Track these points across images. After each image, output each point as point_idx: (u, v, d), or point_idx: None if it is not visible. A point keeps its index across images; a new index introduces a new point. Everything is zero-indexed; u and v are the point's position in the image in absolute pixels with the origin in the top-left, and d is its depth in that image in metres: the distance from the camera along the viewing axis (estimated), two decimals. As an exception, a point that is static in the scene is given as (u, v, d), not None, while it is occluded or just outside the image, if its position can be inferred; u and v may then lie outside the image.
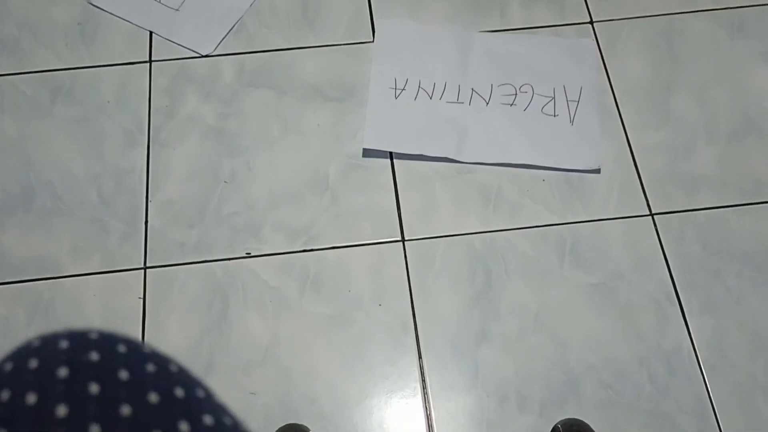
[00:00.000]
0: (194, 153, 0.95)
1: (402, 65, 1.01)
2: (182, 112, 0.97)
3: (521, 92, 0.99)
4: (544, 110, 0.98)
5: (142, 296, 0.86)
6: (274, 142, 0.96)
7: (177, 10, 1.05)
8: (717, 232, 0.91)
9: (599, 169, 0.94)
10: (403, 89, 0.99)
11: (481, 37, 1.04)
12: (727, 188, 0.93)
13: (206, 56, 1.02)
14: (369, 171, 0.94)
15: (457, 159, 0.94)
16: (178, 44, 1.03)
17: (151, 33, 1.03)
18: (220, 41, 1.03)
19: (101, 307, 0.85)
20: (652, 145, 0.96)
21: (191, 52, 1.02)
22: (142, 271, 0.88)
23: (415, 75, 1.00)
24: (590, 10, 1.07)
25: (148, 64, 1.01)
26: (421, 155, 0.94)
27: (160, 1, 1.06)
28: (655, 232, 0.91)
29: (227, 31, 1.04)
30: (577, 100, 0.99)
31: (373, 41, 1.03)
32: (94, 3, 1.05)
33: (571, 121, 0.97)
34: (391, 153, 0.95)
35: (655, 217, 0.92)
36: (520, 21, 1.06)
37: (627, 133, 0.97)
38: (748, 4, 1.06)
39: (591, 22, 1.06)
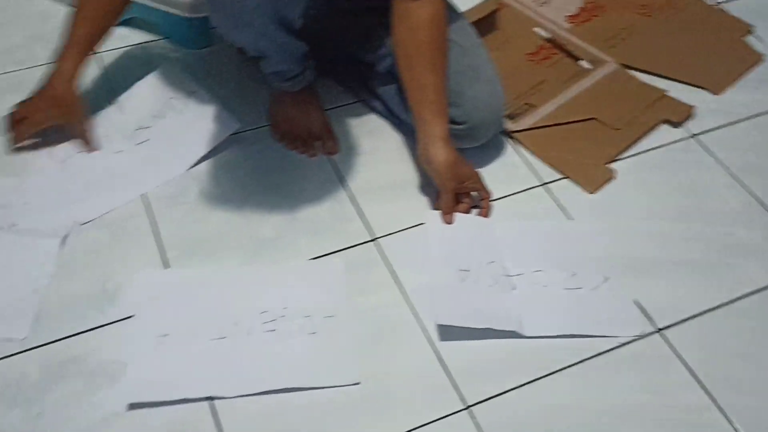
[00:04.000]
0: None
1: (161, 317, 1.04)
2: (-13, 424, 0.94)
3: (281, 318, 1.05)
4: (304, 330, 1.04)
5: None
6: (92, 432, 0.94)
7: None
8: (530, 412, 0.99)
9: (359, 383, 0.99)
10: (166, 335, 1.01)
11: (235, 270, 1.10)
12: (525, 368, 1.03)
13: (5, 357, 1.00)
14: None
15: (221, 395, 0.97)
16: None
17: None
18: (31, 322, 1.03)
19: None
20: (454, 344, 1.04)
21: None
22: None
23: (175, 326, 1.03)
24: (371, 228, 1.18)
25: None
26: (184, 399, 0.96)
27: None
28: (473, 423, 0.97)
29: (34, 312, 1.04)
30: (333, 315, 1.06)
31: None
32: None
33: (329, 337, 1.03)
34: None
35: (471, 408, 0.99)
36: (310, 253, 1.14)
37: (429, 336, 1.05)
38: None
39: (374, 239, 1.16)
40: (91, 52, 1.20)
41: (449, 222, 1.15)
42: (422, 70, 1.12)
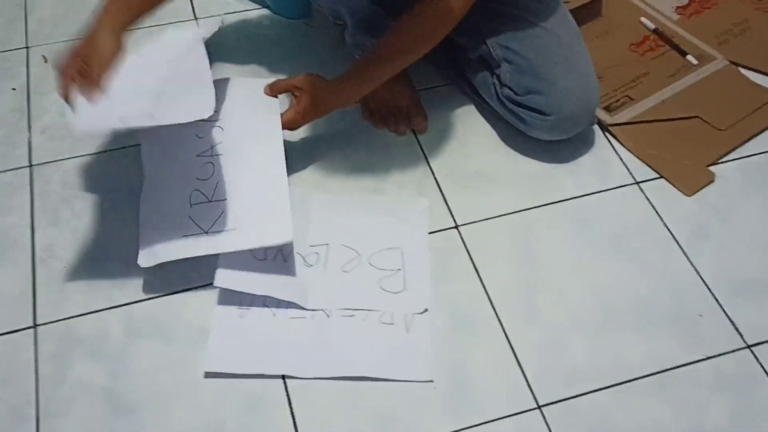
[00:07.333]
0: (86, 419, 0.94)
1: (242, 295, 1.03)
2: (71, 376, 0.97)
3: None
4: (381, 319, 1.03)
5: None
6: (167, 395, 0.96)
7: None
8: (599, 414, 0.96)
9: (432, 381, 0.98)
10: (248, 308, 1.02)
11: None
12: (601, 374, 1.00)
13: (91, 312, 1.03)
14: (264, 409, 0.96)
15: (296, 375, 0.97)
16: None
17: (34, 294, 1.04)
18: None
19: None
20: (530, 343, 1.02)
21: (76, 309, 1.03)
22: None
23: (256, 302, 1.03)
24: (453, 215, 1.16)
25: (32, 330, 1.01)
26: (259, 375, 0.97)
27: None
28: (544, 423, 0.95)
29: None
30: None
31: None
32: None
33: (407, 330, 1.02)
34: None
35: (542, 408, 0.97)
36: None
37: (506, 332, 1.03)
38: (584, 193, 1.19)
39: (456, 227, 1.15)
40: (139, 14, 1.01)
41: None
42: (388, 54, 1.12)
